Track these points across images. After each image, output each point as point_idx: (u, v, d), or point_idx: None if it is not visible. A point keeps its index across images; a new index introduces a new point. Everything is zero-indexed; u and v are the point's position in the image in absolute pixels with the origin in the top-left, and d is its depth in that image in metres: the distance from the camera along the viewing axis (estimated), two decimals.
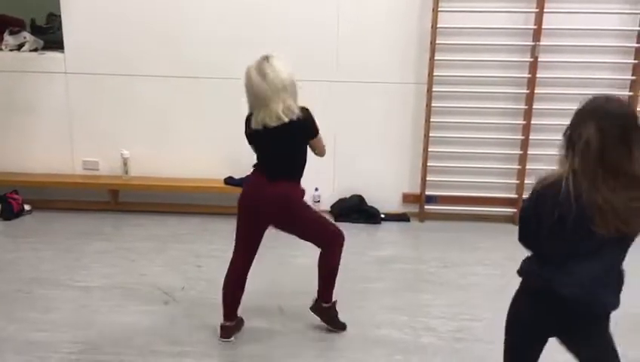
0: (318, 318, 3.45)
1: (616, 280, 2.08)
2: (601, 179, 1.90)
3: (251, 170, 3.30)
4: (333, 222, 3.38)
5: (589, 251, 1.99)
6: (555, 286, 2.03)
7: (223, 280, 3.33)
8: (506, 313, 2.25)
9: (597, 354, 2.13)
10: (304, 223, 3.28)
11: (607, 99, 1.98)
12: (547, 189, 2.00)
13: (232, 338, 3.36)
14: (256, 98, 3.04)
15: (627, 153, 1.90)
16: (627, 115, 1.94)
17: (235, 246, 3.33)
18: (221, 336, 3.36)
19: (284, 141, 3.09)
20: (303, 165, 3.22)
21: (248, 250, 3.31)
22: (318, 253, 3.32)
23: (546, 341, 2.21)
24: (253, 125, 3.07)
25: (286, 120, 3.00)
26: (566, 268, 2.03)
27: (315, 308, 3.44)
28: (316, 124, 3.16)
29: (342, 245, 3.33)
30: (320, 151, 3.29)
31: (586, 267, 2.01)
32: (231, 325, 3.37)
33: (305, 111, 3.10)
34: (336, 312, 3.45)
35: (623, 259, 2.06)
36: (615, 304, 2.07)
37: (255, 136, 3.11)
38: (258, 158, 3.24)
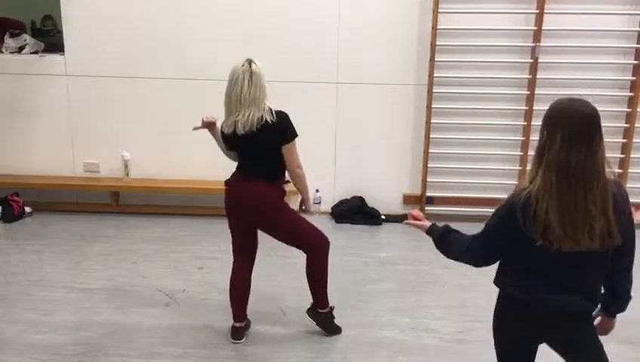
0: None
1: (600, 285, 2.06)
2: (565, 187, 1.87)
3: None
4: (317, 227, 3.34)
5: (571, 262, 1.95)
6: (545, 301, 2.00)
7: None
8: (492, 325, 2.21)
9: (586, 353, 2.11)
10: (283, 225, 3.24)
11: (570, 100, 1.93)
12: (524, 201, 1.93)
13: (243, 339, 3.37)
14: (239, 102, 3.01)
15: (590, 153, 1.86)
16: (591, 115, 1.88)
17: (233, 250, 3.34)
18: (233, 338, 3.36)
19: (260, 143, 3.07)
20: (282, 167, 3.18)
21: (245, 251, 3.32)
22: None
23: (536, 348, 2.19)
24: (231, 129, 3.06)
25: (273, 121, 3.01)
26: (552, 281, 2.00)
27: (312, 312, 3.44)
28: (292, 130, 3.11)
29: (327, 251, 3.31)
30: (289, 164, 3.15)
31: (573, 278, 1.98)
32: (242, 326, 3.38)
33: (282, 115, 3.08)
34: (332, 317, 3.45)
35: (605, 265, 2.02)
36: (597, 305, 2.08)
37: (232, 138, 3.10)
38: (238, 159, 3.25)
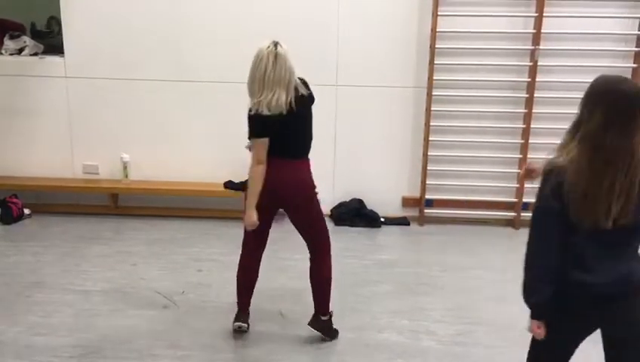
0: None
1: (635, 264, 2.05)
2: (596, 163, 1.88)
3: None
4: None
5: (612, 242, 1.95)
6: (591, 285, 1.99)
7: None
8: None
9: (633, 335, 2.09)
10: (313, 211, 3.23)
11: (616, 78, 1.94)
12: (558, 176, 1.94)
13: (246, 325, 3.39)
14: (262, 83, 2.99)
15: (627, 134, 1.87)
16: (634, 96, 1.89)
17: (247, 238, 3.31)
18: (236, 321, 3.38)
19: (300, 120, 3.09)
20: (309, 145, 3.23)
21: (260, 240, 3.31)
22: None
23: (575, 349, 2.17)
24: (270, 111, 2.97)
25: (305, 94, 3.07)
26: (595, 264, 1.98)
27: (314, 322, 3.39)
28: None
29: (330, 253, 3.32)
30: None
31: (614, 260, 1.98)
32: (245, 321, 3.39)
33: (306, 82, 3.16)
34: (331, 322, 3.44)
35: (633, 244, 2.03)
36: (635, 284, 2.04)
37: (270, 122, 3.00)
38: (275, 142, 3.08)
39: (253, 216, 3.10)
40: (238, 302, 3.39)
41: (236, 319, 3.38)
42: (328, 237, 3.31)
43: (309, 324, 3.40)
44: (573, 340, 2.16)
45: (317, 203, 3.26)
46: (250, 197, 3.11)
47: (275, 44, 3.03)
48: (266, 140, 3.06)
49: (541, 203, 2.02)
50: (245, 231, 3.29)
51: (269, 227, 3.32)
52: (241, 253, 3.36)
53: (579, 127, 1.95)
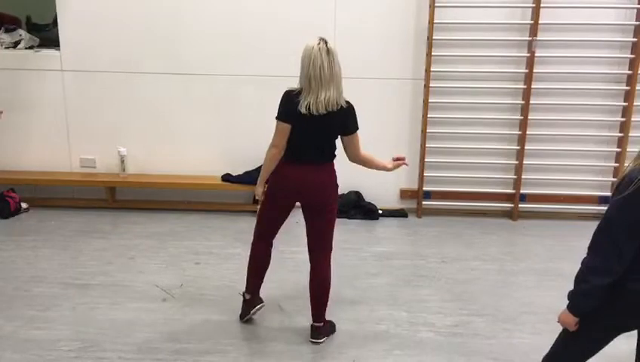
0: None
1: None
2: None
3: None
4: None
5: None
6: None
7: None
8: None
9: None
10: (330, 215, 3.22)
11: None
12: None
13: (253, 312, 3.45)
14: (320, 81, 2.95)
15: None
16: None
17: (261, 232, 3.33)
18: (245, 307, 3.45)
19: (332, 126, 3.07)
20: (334, 152, 3.22)
21: (273, 234, 3.34)
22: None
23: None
24: (306, 109, 2.95)
25: (344, 106, 3.05)
26: None
27: (318, 334, 3.33)
28: (357, 121, 3.18)
29: (330, 256, 3.31)
30: (355, 153, 3.26)
31: None
32: (252, 298, 3.45)
33: (350, 103, 3.12)
34: (329, 325, 3.42)
35: None
36: None
37: (301, 119, 2.98)
38: (295, 142, 3.07)
39: (259, 191, 3.23)
40: (251, 285, 3.43)
41: (253, 304, 3.44)
42: (331, 241, 3.28)
43: (314, 341, 3.31)
44: (613, 337, 2.15)
45: (336, 206, 3.25)
46: (262, 174, 3.19)
47: (325, 41, 3.02)
48: (287, 127, 3.03)
49: (631, 212, 1.94)
50: (261, 229, 3.32)
51: (283, 221, 3.31)
52: (254, 247, 3.39)
53: None
